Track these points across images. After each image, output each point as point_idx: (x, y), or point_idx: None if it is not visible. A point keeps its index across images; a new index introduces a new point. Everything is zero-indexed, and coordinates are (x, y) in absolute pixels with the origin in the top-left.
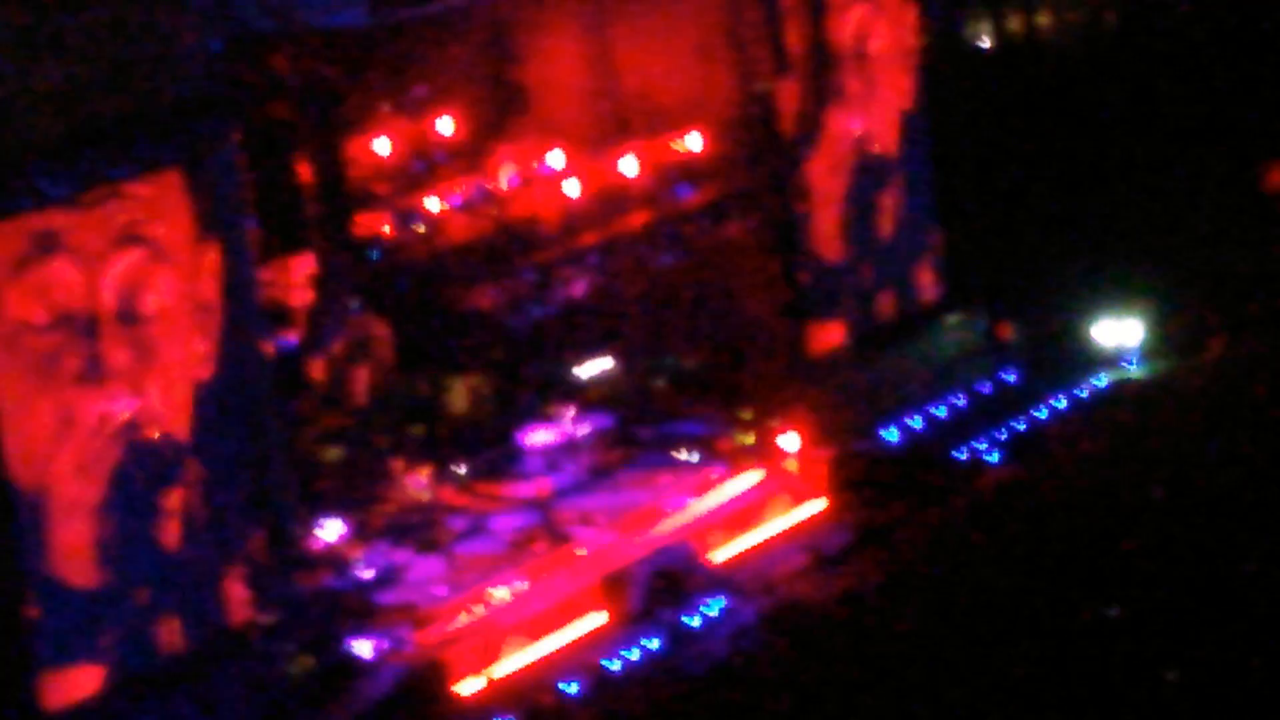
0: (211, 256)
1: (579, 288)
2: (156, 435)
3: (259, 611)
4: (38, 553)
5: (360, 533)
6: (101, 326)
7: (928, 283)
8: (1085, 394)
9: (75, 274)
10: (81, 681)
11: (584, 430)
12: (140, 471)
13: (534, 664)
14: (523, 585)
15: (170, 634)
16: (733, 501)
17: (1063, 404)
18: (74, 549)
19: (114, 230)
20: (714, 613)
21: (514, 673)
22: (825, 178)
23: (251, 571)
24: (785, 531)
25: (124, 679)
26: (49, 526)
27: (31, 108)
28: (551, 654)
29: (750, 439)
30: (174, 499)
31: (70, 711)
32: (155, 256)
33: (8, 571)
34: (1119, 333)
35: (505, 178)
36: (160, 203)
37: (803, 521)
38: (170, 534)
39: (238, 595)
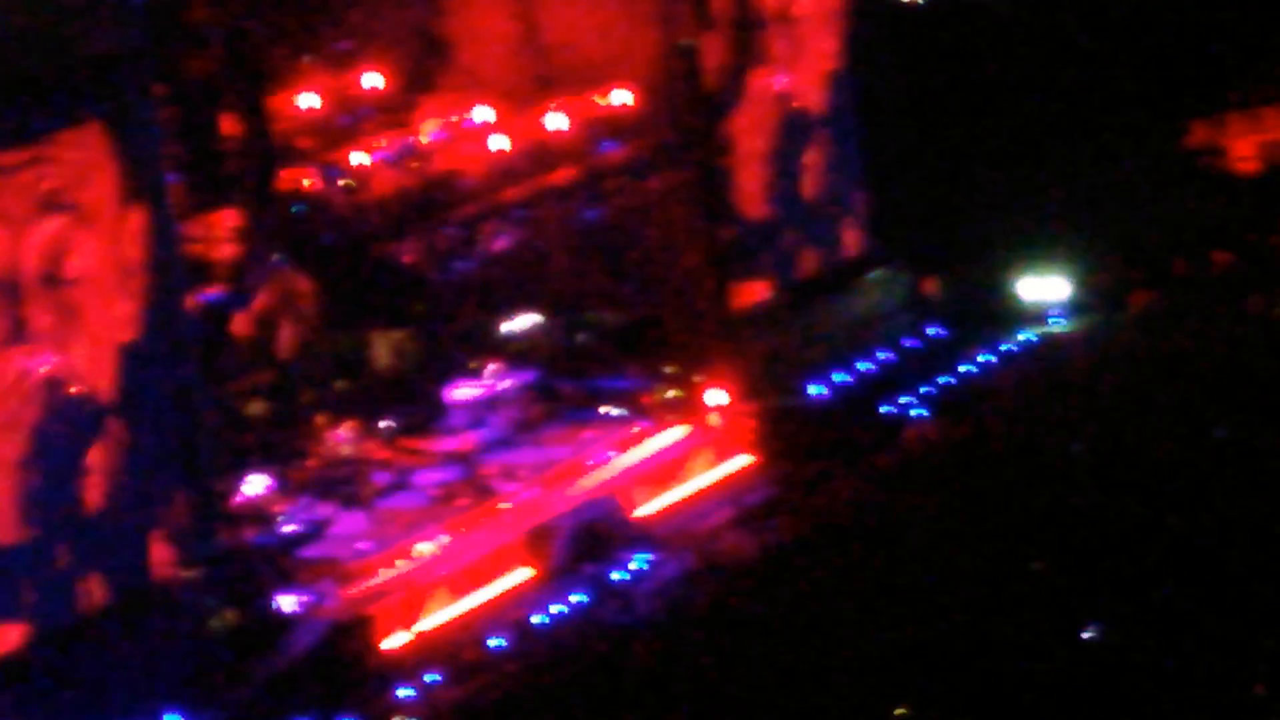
0: (135, 217)
1: (503, 243)
2: (79, 392)
3: (183, 567)
4: None
5: (285, 488)
6: (24, 290)
7: (853, 239)
8: (1010, 349)
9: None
10: (2, 637)
11: (508, 385)
12: (63, 429)
13: (459, 619)
14: (447, 540)
15: (94, 590)
16: (658, 456)
17: (988, 359)
18: None
19: (37, 195)
20: (639, 567)
21: (439, 627)
22: (749, 134)
23: (176, 527)
24: (710, 486)
25: (46, 635)
26: None
27: None
28: (477, 609)
29: (675, 394)
30: (97, 456)
31: None
32: (79, 220)
33: None
34: (1043, 288)
35: (429, 132)
36: (83, 164)
37: (728, 476)
38: (94, 491)
39: (162, 551)
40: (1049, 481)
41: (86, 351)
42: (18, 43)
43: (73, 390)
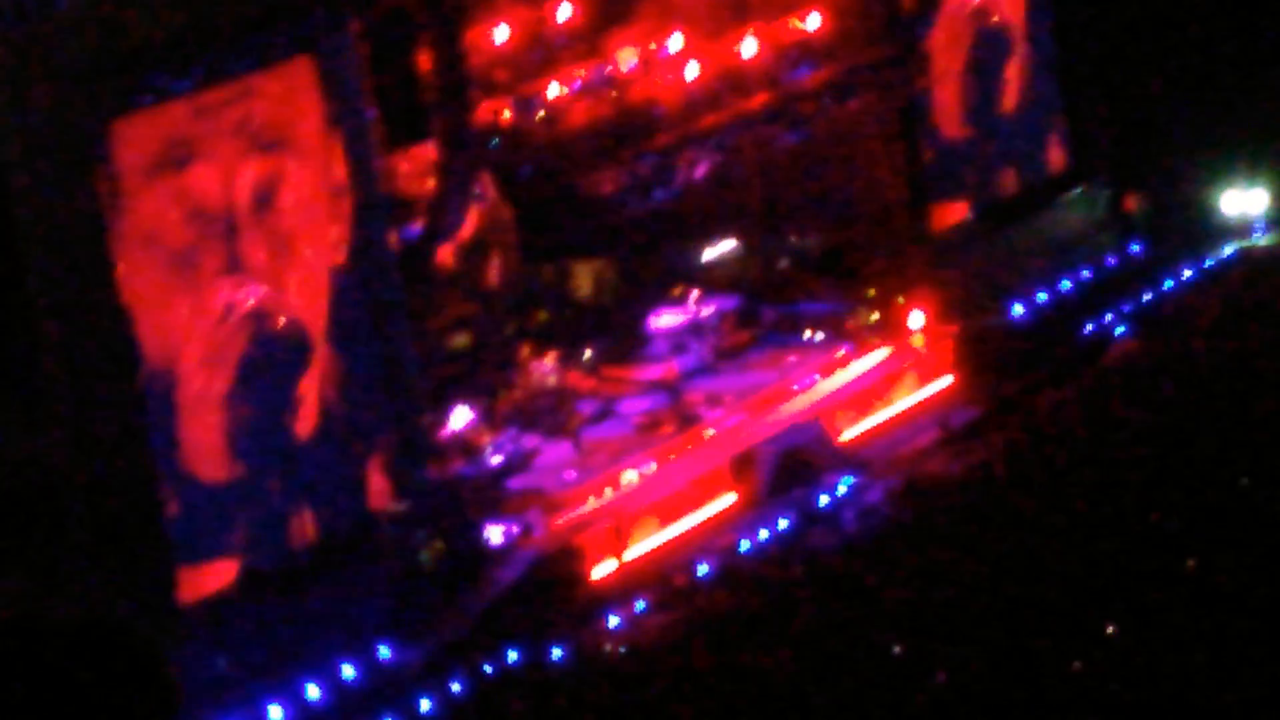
0: (339, 145)
1: (701, 170)
2: (288, 324)
3: (390, 501)
4: (170, 448)
5: (489, 419)
6: (236, 222)
7: (1053, 157)
8: (1212, 265)
9: (209, 172)
10: (214, 576)
11: (709, 312)
12: (272, 361)
13: (666, 546)
14: (652, 468)
15: (301, 525)
16: (859, 380)
17: (1190, 276)
18: (206, 442)
19: (246, 127)
20: (843, 490)
21: (646, 556)
22: (945, 52)
23: (382, 461)
24: (912, 408)
25: (255, 572)
26: (181, 421)
27: (149, 4)
28: (683, 536)
29: (875, 317)
30: (306, 389)
31: (203, 605)
32: (286, 151)
33: (142, 467)
34: (1245, 202)
35: (625, 62)
36: (288, 96)
37: (930, 398)
38: (302, 424)
39: (369, 485)
40: (1255, 396)
41: (294, 284)
42: None
43: (281, 322)
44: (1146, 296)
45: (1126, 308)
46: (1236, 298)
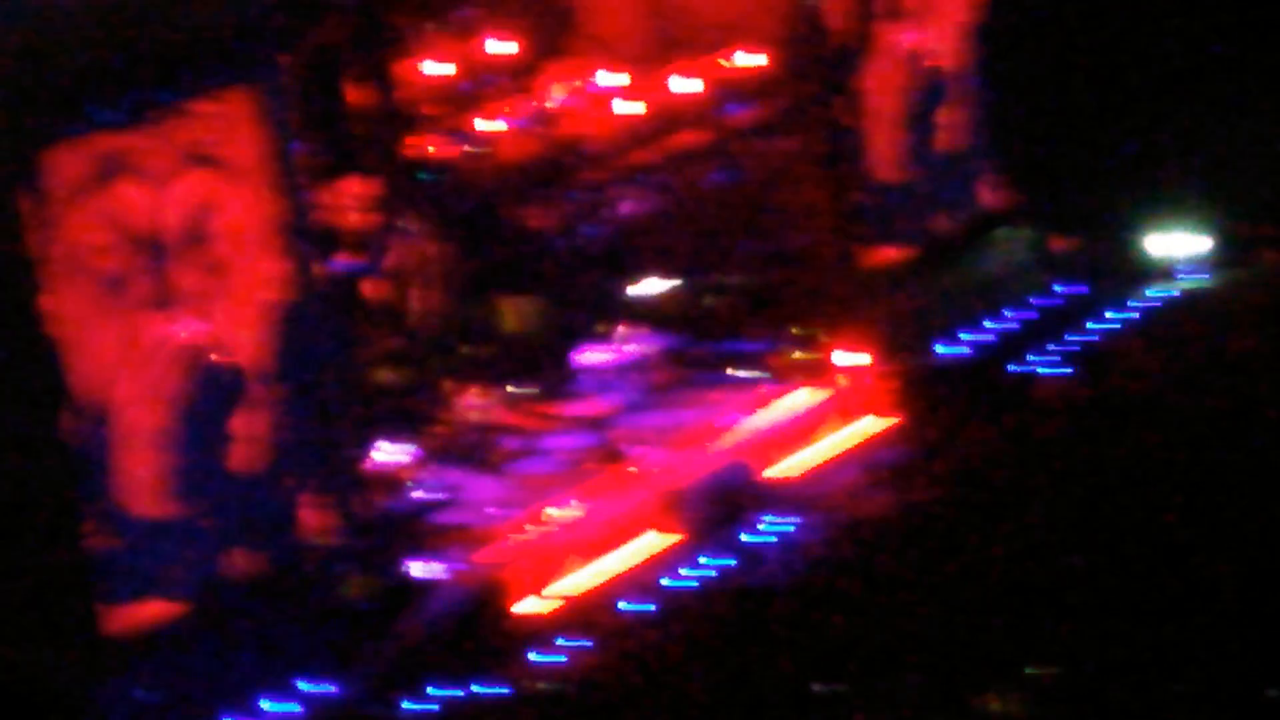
0: (274, 176)
1: (631, 206)
2: (222, 359)
3: (319, 536)
4: (102, 482)
5: (417, 454)
6: (167, 249)
7: (985, 197)
8: (1147, 307)
9: (141, 195)
10: (145, 612)
11: (638, 349)
12: (205, 396)
13: (594, 585)
14: (580, 504)
15: (237, 560)
16: (791, 418)
17: (1120, 316)
18: (138, 477)
19: (179, 150)
20: (773, 530)
21: (574, 593)
22: (879, 92)
23: (312, 496)
24: (843, 447)
25: (186, 607)
26: (113, 455)
27: (86, 32)
28: (611, 574)
29: (807, 356)
30: (238, 424)
31: (133, 640)
32: (221, 176)
33: (70, 502)
34: (1175, 245)
35: (556, 97)
36: (224, 121)
37: (860, 437)
38: (233, 460)
39: (299, 520)
40: (1184, 442)
41: (229, 315)
42: (154, 11)
43: (215, 356)
44: (1077, 337)
45: (1064, 348)
46: (1166, 339)
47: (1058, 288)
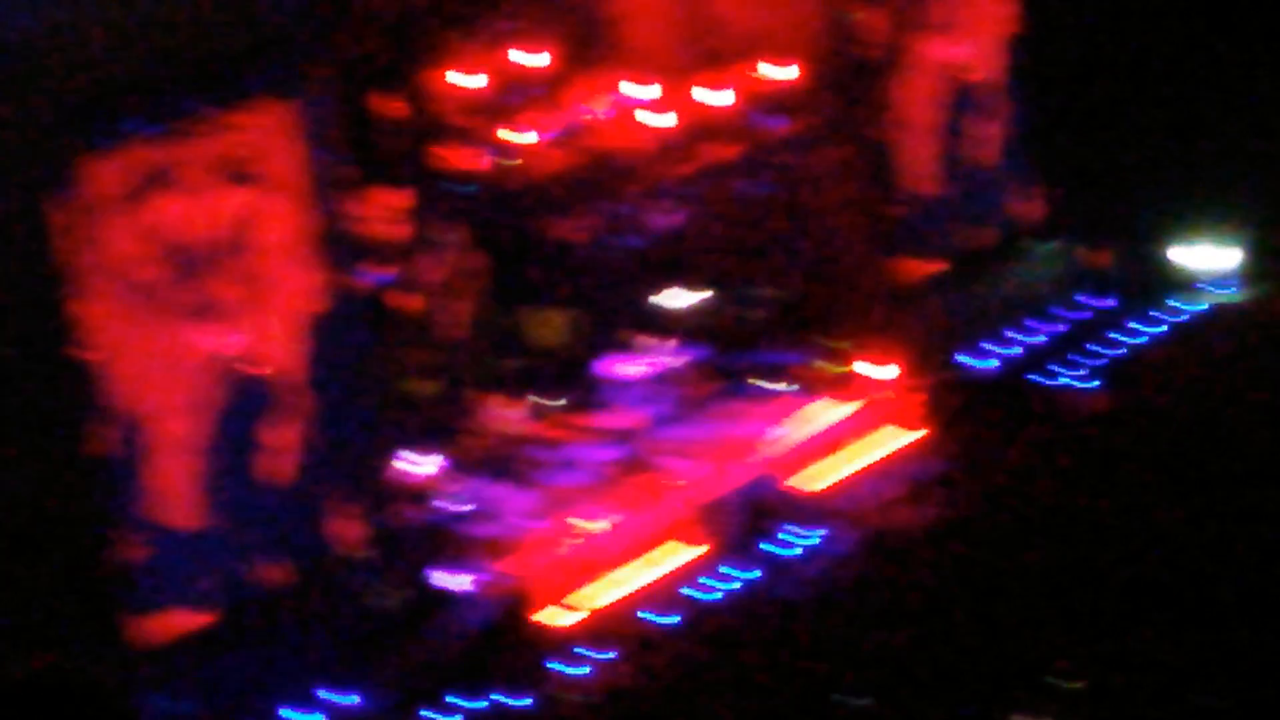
0: (308, 190)
1: (666, 219)
2: (260, 371)
3: (353, 547)
4: (134, 491)
5: (450, 466)
6: (203, 261)
7: (1018, 210)
8: (1177, 320)
9: (177, 208)
10: (175, 620)
11: (672, 361)
12: (237, 407)
13: (624, 597)
14: (613, 517)
15: (265, 571)
16: (825, 431)
17: (1152, 330)
18: (171, 486)
19: (216, 164)
20: (807, 543)
21: (604, 605)
22: (914, 105)
23: (347, 507)
24: (879, 460)
25: (219, 616)
26: (146, 464)
27: (122, 42)
28: (642, 586)
29: (842, 368)
30: (275, 435)
31: (165, 649)
32: (257, 190)
33: (106, 511)
34: (1208, 259)
35: (592, 110)
36: (264, 135)
37: (893, 450)
38: (269, 471)
39: (332, 531)
40: (1220, 451)
41: (262, 328)
42: (190, 22)
43: (248, 367)
44: (1114, 350)
45: (1094, 361)
46: (1202, 353)
47: (1087, 300)
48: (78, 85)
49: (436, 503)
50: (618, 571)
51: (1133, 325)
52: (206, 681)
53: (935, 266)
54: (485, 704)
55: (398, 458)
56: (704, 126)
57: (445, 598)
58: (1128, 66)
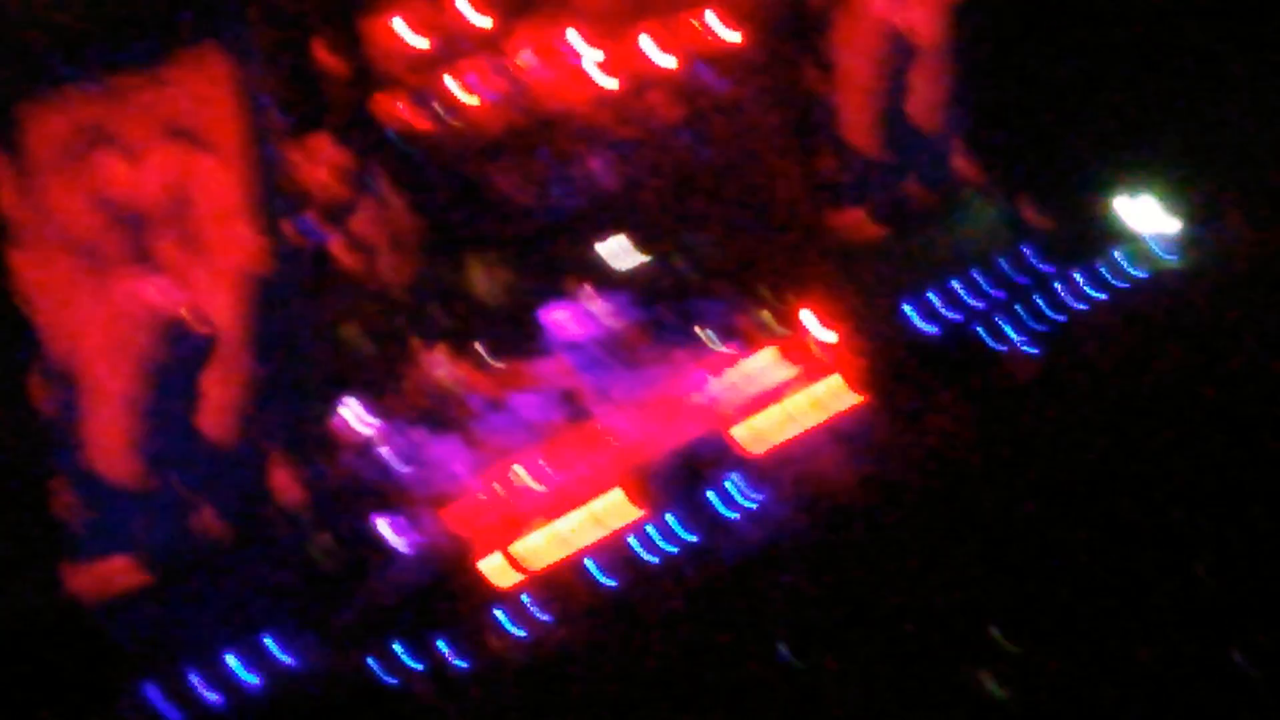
0: (246, 142)
1: (600, 169)
2: (199, 326)
3: (293, 500)
4: (71, 444)
5: (384, 415)
6: (143, 218)
7: (957, 167)
8: (1118, 283)
9: (118, 166)
10: (112, 569)
11: (616, 316)
12: (176, 361)
13: (565, 557)
14: (546, 466)
15: (201, 522)
16: (761, 389)
17: (1096, 293)
18: (109, 440)
19: (156, 122)
20: (744, 502)
21: (544, 567)
22: (852, 62)
23: (281, 459)
24: (813, 419)
25: (154, 569)
26: (84, 417)
27: None
28: (576, 538)
29: (778, 324)
30: (215, 390)
31: (103, 604)
32: (196, 147)
33: (41, 464)
34: (1145, 220)
35: (527, 60)
36: (203, 87)
37: (834, 410)
38: (203, 424)
39: (273, 484)
40: (1153, 419)
41: (201, 283)
42: None
43: (187, 319)
44: (1049, 313)
45: (1033, 323)
46: (1142, 320)
47: (1029, 258)
48: (12, 38)
49: (375, 454)
50: (558, 526)
51: (1074, 285)
52: (145, 631)
53: (878, 223)
54: (417, 650)
55: (338, 411)
56: (647, 81)
57: (386, 550)
58: (1073, 25)
